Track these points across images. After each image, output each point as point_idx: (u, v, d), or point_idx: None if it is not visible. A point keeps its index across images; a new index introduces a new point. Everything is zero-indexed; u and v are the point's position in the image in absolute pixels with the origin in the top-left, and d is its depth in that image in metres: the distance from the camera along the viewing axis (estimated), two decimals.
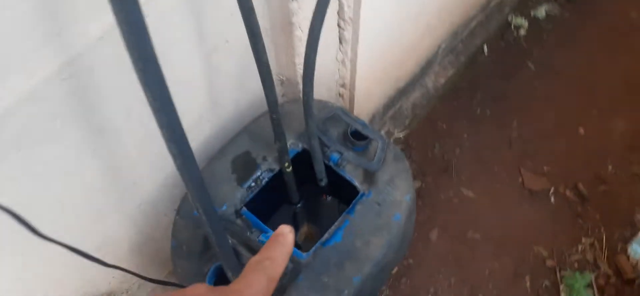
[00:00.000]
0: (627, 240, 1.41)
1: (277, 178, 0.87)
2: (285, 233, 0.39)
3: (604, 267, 1.38)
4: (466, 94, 1.68)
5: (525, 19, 1.88)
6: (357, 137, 0.88)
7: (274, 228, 0.86)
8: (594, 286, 1.35)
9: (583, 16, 1.92)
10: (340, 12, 0.96)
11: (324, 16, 0.63)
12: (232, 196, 0.84)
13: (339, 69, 1.12)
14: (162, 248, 1.05)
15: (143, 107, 0.44)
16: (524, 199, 1.50)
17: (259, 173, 0.86)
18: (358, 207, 0.83)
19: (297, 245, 0.90)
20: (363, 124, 0.87)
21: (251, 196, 0.85)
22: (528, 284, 1.39)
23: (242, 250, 0.77)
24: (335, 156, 0.86)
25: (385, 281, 1.37)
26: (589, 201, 1.49)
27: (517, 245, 1.44)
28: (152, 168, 0.87)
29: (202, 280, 0.81)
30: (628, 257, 1.38)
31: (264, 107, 0.83)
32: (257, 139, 0.89)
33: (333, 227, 0.82)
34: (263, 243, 0.81)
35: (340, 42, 1.06)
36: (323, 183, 0.89)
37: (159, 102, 0.45)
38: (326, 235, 0.81)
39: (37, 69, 0.52)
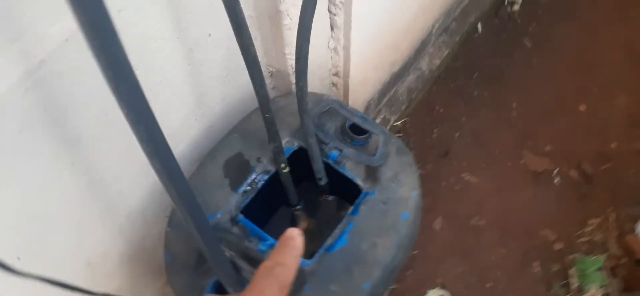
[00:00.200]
0: (636, 219, 1.37)
1: (274, 180, 0.81)
2: (295, 237, 0.37)
3: (613, 248, 1.34)
4: (462, 75, 1.63)
5: None
6: (356, 132, 0.82)
7: (273, 234, 0.80)
8: (605, 269, 1.31)
9: None
10: None
11: (315, 2, 0.56)
12: (227, 202, 0.78)
13: (331, 57, 1.06)
14: (155, 257, 0.98)
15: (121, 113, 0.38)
16: (527, 181, 1.46)
17: (254, 176, 0.79)
18: (362, 207, 0.77)
19: None
20: (362, 116, 0.81)
21: (247, 201, 0.79)
22: (537, 269, 1.35)
23: (241, 262, 0.71)
24: (334, 153, 0.80)
25: (393, 280, 1.32)
26: (594, 181, 1.45)
27: (523, 230, 1.39)
28: (139, 175, 0.80)
29: (200, 294, 0.75)
30: (637, 236, 1.34)
31: (255, 103, 0.76)
32: (249, 138, 0.82)
33: (337, 230, 0.76)
34: (262, 251, 0.75)
35: (332, 28, 0.99)
36: (322, 182, 0.83)
37: (134, 113, 0.39)
38: (330, 239, 0.76)
39: None
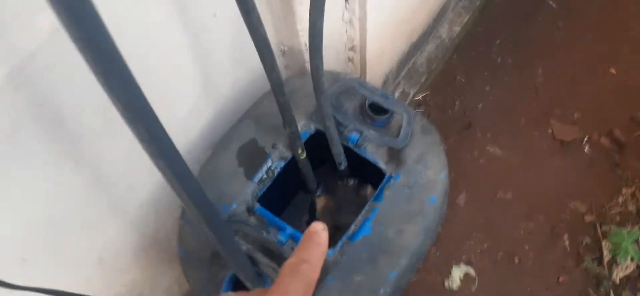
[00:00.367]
0: None
1: (290, 166, 0.76)
2: (319, 231, 0.36)
3: None
4: (484, 42, 1.54)
5: None
6: (376, 111, 0.76)
7: (291, 222, 0.76)
8: None
9: None
10: None
11: None
12: (242, 192, 0.74)
13: (346, 31, 0.99)
14: (170, 247, 0.95)
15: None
16: (555, 151, 1.39)
17: (270, 163, 0.75)
18: (386, 192, 0.72)
19: None
20: (383, 95, 0.76)
21: (263, 190, 0.74)
22: (567, 243, 1.29)
23: (259, 256, 0.67)
24: (354, 135, 0.75)
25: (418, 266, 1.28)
26: (627, 148, 1.37)
27: (552, 202, 1.33)
28: (148, 168, 0.75)
29: (218, 289, 0.72)
30: None
31: (267, 84, 0.71)
32: (262, 124, 0.77)
33: (360, 218, 0.71)
34: (282, 243, 0.71)
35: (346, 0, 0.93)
36: (342, 167, 0.78)
37: (131, 111, 0.34)
38: (353, 227, 0.71)
39: None
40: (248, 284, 0.65)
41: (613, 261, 1.26)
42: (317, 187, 0.83)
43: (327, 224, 0.91)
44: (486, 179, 1.36)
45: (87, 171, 0.64)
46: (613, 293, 1.22)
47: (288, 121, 0.68)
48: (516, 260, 1.29)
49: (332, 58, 1.00)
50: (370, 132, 0.75)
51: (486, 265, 1.30)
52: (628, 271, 1.24)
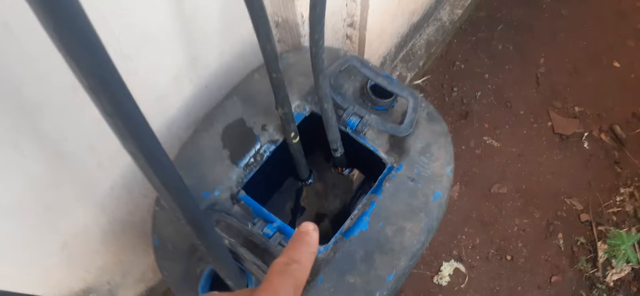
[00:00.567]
0: None
1: (281, 151, 0.69)
2: (310, 232, 0.34)
3: None
4: (485, 27, 1.47)
5: None
6: (378, 94, 0.69)
7: (278, 213, 0.69)
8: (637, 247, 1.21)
9: None
10: None
11: None
12: (226, 177, 0.66)
13: (347, 5, 0.91)
14: (145, 232, 0.87)
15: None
16: (554, 145, 1.33)
17: (258, 147, 0.67)
18: (387, 185, 0.65)
19: None
20: (387, 76, 0.68)
21: (250, 176, 0.67)
22: (561, 241, 1.25)
23: (243, 251, 0.59)
24: (354, 120, 0.67)
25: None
26: (627, 145, 1.33)
27: (548, 198, 1.28)
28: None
29: (196, 284, 0.64)
30: None
31: (257, 58, 0.63)
32: (252, 102, 0.69)
33: (356, 212, 0.64)
34: (268, 236, 0.63)
35: None
36: (338, 154, 0.70)
37: (93, 77, 0.26)
38: (348, 222, 0.64)
39: None
40: (229, 282, 0.58)
41: (607, 263, 1.22)
42: (309, 175, 0.75)
43: (313, 210, 0.84)
44: (481, 172, 1.30)
45: (45, 147, 0.56)
46: None
47: (281, 100, 0.60)
48: (508, 257, 1.25)
49: (329, 35, 0.92)
50: (371, 117, 0.67)
51: (477, 262, 1.25)
52: (622, 274, 1.20)
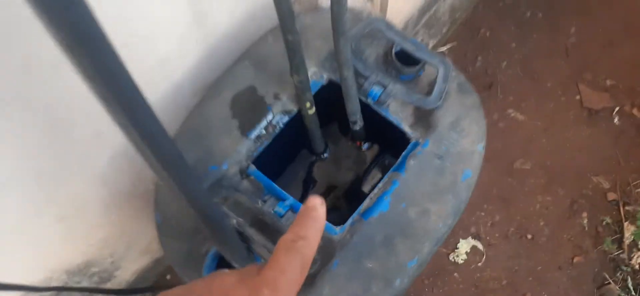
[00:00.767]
0: None
1: (295, 122, 0.63)
2: (317, 207, 0.33)
3: None
4: None
5: None
6: (404, 62, 0.62)
7: (288, 187, 0.63)
8: None
9: None
10: None
11: None
12: (235, 150, 0.60)
13: None
14: (150, 204, 0.83)
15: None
16: (582, 120, 1.26)
17: (270, 118, 0.61)
18: (411, 162, 0.59)
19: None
20: (414, 42, 0.61)
21: (261, 149, 0.61)
22: (585, 221, 1.19)
23: (252, 231, 0.54)
24: (376, 90, 0.61)
25: None
26: None
27: (573, 176, 1.22)
28: None
29: (200, 264, 0.60)
30: None
31: (270, 19, 0.57)
32: (264, 68, 0.63)
33: (376, 191, 0.59)
34: (280, 215, 0.58)
35: None
36: (357, 127, 0.64)
37: (64, 29, 0.21)
38: (367, 202, 0.59)
39: None
40: (236, 265, 0.53)
41: (634, 245, 1.17)
42: (324, 148, 0.69)
43: (325, 184, 0.79)
44: (504, 146, 1.24)
45: (36, 113, 0.50)
46: (631, 280, 1.13)
47: (296, 66, 0.53)
48: (529, 236, 1.19)
49: None
50: (395, 87, 0.61)
51: (496, 240, 1.20)
52: None
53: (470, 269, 1.18)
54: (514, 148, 1.23)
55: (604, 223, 1.19)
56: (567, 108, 1.27)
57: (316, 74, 0.63)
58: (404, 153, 0.60)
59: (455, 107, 0.61)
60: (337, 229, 0.58)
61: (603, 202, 1.20)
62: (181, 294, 0.31)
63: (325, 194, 0.78)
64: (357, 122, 0.64)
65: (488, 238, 1.20)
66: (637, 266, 1.15)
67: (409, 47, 0.60)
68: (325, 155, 0.70)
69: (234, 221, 0.54)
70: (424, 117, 0.61)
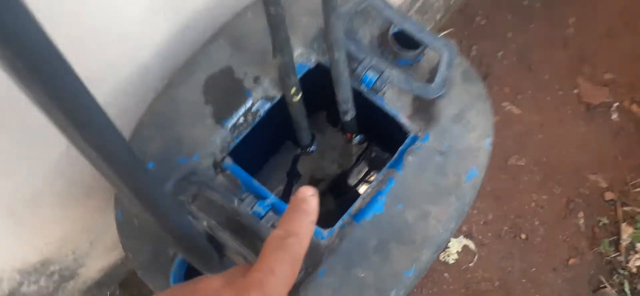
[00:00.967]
0: None
1: (277, 110, 0.55)
2: (308, 199, 0.30)
3: None
4: None
5: None
6: (403, 44, 0.55)
7: (271, 187, 0.56)
8: None
9: None
10: None
11: None
12: (208, 140, 0.53)
13: None
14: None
15: None
16: (579, 115, 1.21)
17: (249, 104, 0.53)
18: (409, 158, 0.52)
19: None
20: (414, 22, 0.54)
21: (238, 139, 0.53)
22: (582, 221, 1.14)
23: (225, 236, 0.47)
24: (371, 75, 0.54)
25: None
26: None
27: (570, 174, 1.17)
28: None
29: (167, 268, 0.52)
30: None
31: None
32: (243, 47, 0.55)
33: (370, 190, 0.52)
34: (260, 216, 0.51)
35: None
36: (349, 117, 0.57)
37: None
38: (359, 202, 0.52)
39: None
40: (206, 272, 0.46)
41: (631, 247, 1.12)
42: (311, 141, 0.62)
43: (310, 181, 0.72)
44: (498, 141, 1.17)
45: None
46: (628, 284, 1.08)
47: (280, 45, 0.46)
48: (523, 236, 1.14)
49: None
50: (392, 73, 0.54)
51: (488, 239, 1.14)
52: None
53: (461, 269, 1.12)
54: (509, 143, 1.18)
55: (601, 223, 1.14)
56: (565, 102, 1.21)
57: (303, 56, 0.55)
58: (401, 148, 0.53)
59: (459, 97, 0.54)
60: (325, 232, 0.51)
61: (600, 202, 1.16)
62: None
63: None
64: (349, 112, 0.56)
65: (480, 237, 1.14)
66: (634, 270, 1.10)
67: (409, 28, 0.52)
68: (312, 148, 0.63)
69: (204, 222, 0.46)
70: (424, 108, 0.54)
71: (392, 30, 0.54)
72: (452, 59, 0.52)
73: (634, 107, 1.21)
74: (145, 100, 0.60)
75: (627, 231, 1.12)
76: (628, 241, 1.12)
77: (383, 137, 0.62)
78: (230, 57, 0.54)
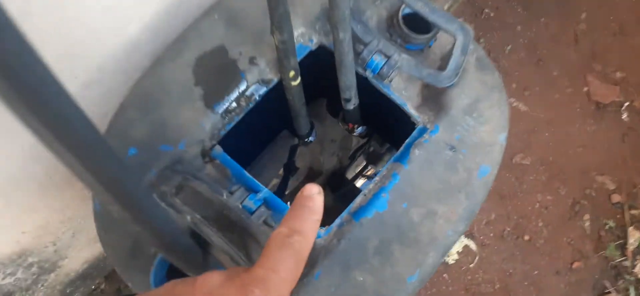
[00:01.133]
0: None
1: (274, 95, 0.51)
2: (313, 196, 0.30)
3: None
4: None
5: None
6: (413, 28, 0.50)
7: (265, 179, 0.51)
8: None
9: None
10: None
11: None
12: (197, 126, 0.48)
13: None
14: None
15: None
16: (588, 114, 1.17)
17: (243, 87, 0.49)
18: (416, 152, 0.48)
19: None
20: (428, 3, 0.49)
21: (230, 126, 0.49)
22: (587, 223, 1.10)
23: (211, 232, 0.42)
24: (378, 59, 0.49)
25: None
26: None
27: (576, 174, 1.13)
28: (57, 66, 0.49)
29: (147, 265, 0.48)
30: None
31: None
32: (237, 24, 0.50)
33: (372, 186, 0.47)
34: (251, 211, 0.46)
35: None
36: (351, 106, 0.52)
37: None
38: (360, 199, 0.47)
39: None
40: (190, 273, 0.41)
41: (638, 252, 1.08)
42: (310, 131, 0.57)
43: (307, 174, 0.67)
44: None
45: None
46: (634, 290, 1.05)
47: (279, 22, 0.41)
48: (526, 237, 1.10)
49: None
50: (401, 58, 0.49)
51: (490, 239, 1.10)
52: None
53: (461, 270, 1.08)
54: (514, 141, 1.14)
55: (607, 226, 1.10)
56: (574, 100, 1.17)
57: (304, 36, 0.51)
58: (407, 141, 0.49)
59: (473, 87, 0.49)
60: (322, 231, 0.47)
61: (607, 204, 1.12)
62: (161, 294, 0.28)
63: (303, 180, 0.66)
64: (352, 100, 0.52)
65: (482, 237, 1.10)
66: None
67: (422, 9, 0.48)
68: (311, 139, 0.58)
69: (188, 217, 0.42)
70: (434, 98, 0.49)
71: (402, 11, 0.49)
72: (467, 44, 0.48)
73: None
74: (133, 79, 0.55)
75: (634, 235, 1.08)
76: (635, 246, 1.08)
77: (387, 129, 0.58)
78: (224, 34, 0.50)
